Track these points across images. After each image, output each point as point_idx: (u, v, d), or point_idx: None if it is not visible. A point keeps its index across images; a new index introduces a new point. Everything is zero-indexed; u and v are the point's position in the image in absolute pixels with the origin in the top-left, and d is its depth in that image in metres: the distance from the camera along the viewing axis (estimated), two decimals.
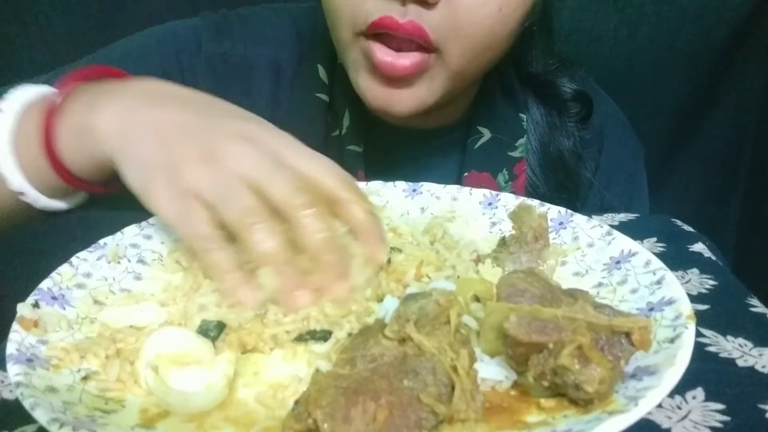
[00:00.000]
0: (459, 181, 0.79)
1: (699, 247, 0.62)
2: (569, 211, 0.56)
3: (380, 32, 0.62)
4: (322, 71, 0.78)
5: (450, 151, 0.81)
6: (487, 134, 0.79)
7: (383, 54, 0.63)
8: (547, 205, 0.58)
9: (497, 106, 0.80)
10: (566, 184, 0.81)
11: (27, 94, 0.56)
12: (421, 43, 0.62)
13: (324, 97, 0.78)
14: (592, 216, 0.57)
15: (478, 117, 0.80)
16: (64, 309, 0.46)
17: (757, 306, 0.52)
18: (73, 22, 1.06)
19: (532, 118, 0.81)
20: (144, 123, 0.49)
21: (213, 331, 0.44)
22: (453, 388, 0.36)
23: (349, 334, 0.43)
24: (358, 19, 0.63)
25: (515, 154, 0.80)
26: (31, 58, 1.07)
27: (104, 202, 0.58)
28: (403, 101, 0.66)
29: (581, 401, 0.36)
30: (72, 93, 0.54)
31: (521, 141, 0.80)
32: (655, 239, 0.63)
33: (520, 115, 0.81)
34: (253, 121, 0.49)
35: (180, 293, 0.48)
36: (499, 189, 0.78)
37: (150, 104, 0.51)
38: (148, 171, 0.47)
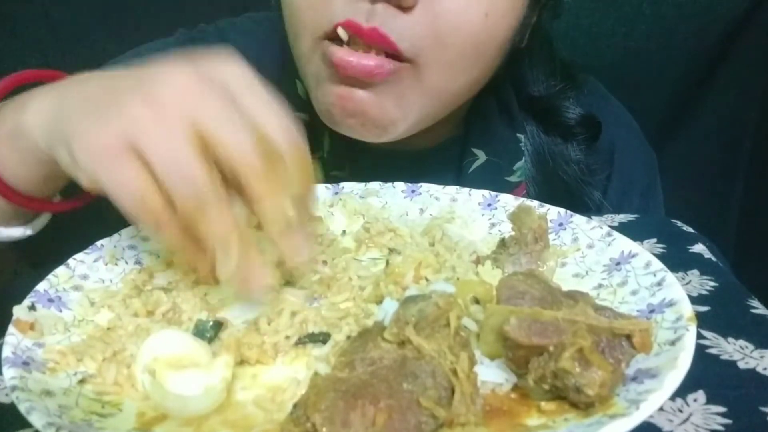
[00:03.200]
0: None
1: (699, 248, 0.62)
2: (569, 212, 0.56)
3: (345, 36, 0.57)
4: (300, 87, 0.72)
5: (443, 172, 0.74)
6: (482, 156, 0.74)
7: (344, 53, 0.56)
8: (547, 206, 0.57)
9: (493, 125, 0.75)
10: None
11: None
12: (389, 52, 0.57)
13: (303, 116, 0.70)
14: (592, 217, 0.57)
15: (472, 137, 0.74)
16: (61, 311, 0.45)
17: (758, 307, 0.52)
18: (75, 7, 1.06)
19: (533, 146, 0.75)
20: (75, 98, 0.44)
21: (209, 331, 0.44)
22: (453, 392, 0.35)
23: (348, 337, 0.42)
24: (322, 21, 0.57)
25: (513, 178, 0.74)
26: (35, 44, 1.07)
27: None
28: (369, 118, 0.60)
29: (582, 404, 0.35)
30: (4, 104, 0.50)
31: (519, 164, 0.74)
32: (655, 240, 0.63)
33: (518, 135, 0.75)
34: (206, 56, 0.43)
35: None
36: None
37: (81, 82, 0.46)
38: (74, 124, 0.41)
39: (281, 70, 0.74)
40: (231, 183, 0.41)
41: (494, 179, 0.74)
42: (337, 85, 0.59)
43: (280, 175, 0.41)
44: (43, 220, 0.56)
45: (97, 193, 0.44)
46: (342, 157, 0.73)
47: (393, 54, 0.57)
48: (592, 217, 0.57)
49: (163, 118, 0.39)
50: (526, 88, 0.75)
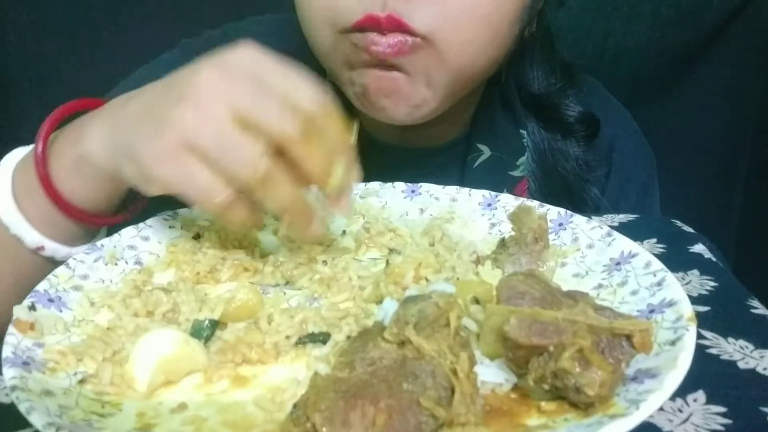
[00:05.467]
0: None
1: (699, 248, 0.62)
2: (569, 212, 0.56)
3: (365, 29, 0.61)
4: None
5: (448, 170, 0.78)
6: (486, 152, 0.77)
7: (373, 35, 0.61)
8: (547, 206, 0.57)
9: (497, 122, 0.78)
10: (570, 209, 0.78)
11: (17, 155, 0.56)
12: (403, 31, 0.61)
13: None
14: (592, 217, 0.57)
15: (478, 134, 0.78)
16: (61, 311, 0.45)
17: (758, 308, 0.52)
18: (49, 41, 1.06)
19: (533, 141, 0.78)
20: (125, 120, 0.49)
21: (206, 330, 0.43)
22: (453, 392, 0.35)
23: (348, 337, 0.42)
24: (341, 17, 0.61)
25: (516, 173, 0.77)
26: (22, 64, 1.07)
27: None
28: (403, 93, 0.63)
29: (582, 404, 0.35)
30: (56, 136, 0.54)
31: (522, 159, 0.78)
32: (655, 240, 0.63)
33: (521, 131, 0.78)
34: (217, 53, 0.48)
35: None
36: None
37: (124, 105, 0.51)
38: (134, 142, 0.47)
39: None
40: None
41: (498, 174, 0.77)
42: (372, 68, 0.63)
43: (318, 138, 0.46)
44: (101, 235, 0.58)
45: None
46: None
47: (407, 32, 0.61)
48: (592, 217, 0.57)
49: (203, 113, 0.44)
50: (528, 86, 0.78)
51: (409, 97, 0.64)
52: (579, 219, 0.55)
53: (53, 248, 0.54)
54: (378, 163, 0.75)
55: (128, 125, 0.49)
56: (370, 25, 0.60)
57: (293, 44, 0.77)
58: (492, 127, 0.77)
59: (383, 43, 0.60)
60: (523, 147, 0.78)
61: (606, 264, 0.50)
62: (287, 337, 0.43)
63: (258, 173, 0.44)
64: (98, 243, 0.52)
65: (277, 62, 0.47)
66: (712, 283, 0.55)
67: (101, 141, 0.51)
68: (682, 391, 0.40)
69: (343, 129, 0.48)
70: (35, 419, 0.33)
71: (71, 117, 0.56)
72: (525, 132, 0.78)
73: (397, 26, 0.60)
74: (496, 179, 0.76)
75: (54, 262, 0.54)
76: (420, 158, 0.78)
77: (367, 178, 0.73)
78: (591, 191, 0.79)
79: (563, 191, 0.77)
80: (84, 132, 0.52)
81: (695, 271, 0.57)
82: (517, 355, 0.37)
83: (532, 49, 0.74)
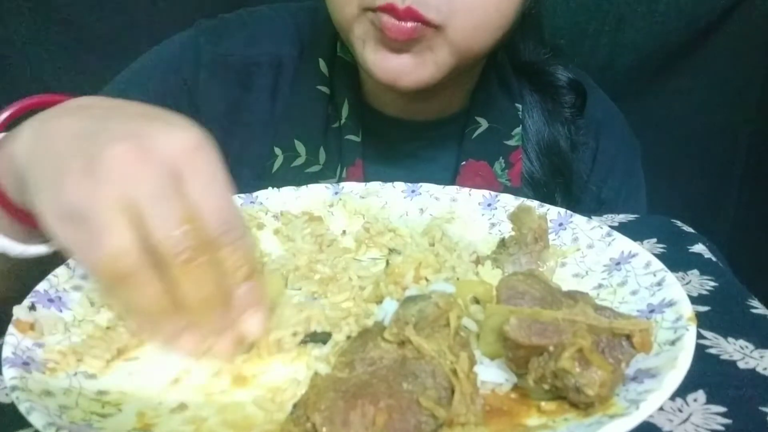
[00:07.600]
0: (456, 170, 0.81)
1: (699, 248, 0.62)
2: (569, 212, 0.56)
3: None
4: (323, 64, 0.80)
5: (448, 142, 0.82)
6: (484, 124, 0.81)
7: (389, 17, 0.64)
8: (547, 206, 0.57)
9: (494, 97, 0.82)
10: (562, 170, 0.83)
11: None
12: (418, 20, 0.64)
13: (324, 89, 0.80)
14: (592, 217, 0.57)
15: (476, 108, 0.82)
16: (61, 311, 0.45)
17: (758, 307, 0.52)
18: (69, 23, 1.06)
19: (527, 107, 0.83)
20: (48, 136, 0.43)
21: None
22: (453, 392, 0.35)
23: (348, 337, 0.42)
24: (365, 1, 0.65)
25: (511, 142, 0.82)
26: (23, 56, 1.07)
27: None
28: (410, 72, 0.67)
29: (582, 404, 0.35)
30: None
31: (517, 130, 0.82)
32: (655, 240, 0.63)
33: (516, 105, 0.83)
34: (159, 122, 0.41)
35: None
36: (496, 177, 0.81)
37: (61, 116, 0.44)
38: (39, 186, 0.42)
39: (300, 52, 0.83)
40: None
41: (494, 143, 0.81)
42: (382, 49, 0.67)
43: (206, 268, 0.39)
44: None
45: None
46: (357, 124, 0.80)
47: (422, 21, 0.64)
48: (592, 216, 0.57)
49: (98, 193, 0.38)
50: (519, 55, 0.83)
51: (413, 77, 0.68)
52: (579, 219, 0.55)
53: (2, 244, 0.50)
54: (382, 134, 0.81)
55: (41, 162, 0.43)
56: (389, 11, 0.63)
57: (304, 30, 0.83)
58: (489, 102, 0.82)
59: (397, 28, 0.63)
60: (518, 119, 0.83)
61: (606, 264, 0.50)
62: (294, 334, 0.43)
63: (115, 266, 0.37)
64: None
65: (213, 166, 0.40)
66: (712, 283, 0.55)
67: (24, 145, 0.45)
68: (682, 391, 0.40)
69: (246, 256, 0.41)
70: (35, 419, 0.33)
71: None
72: (520, 106, 0.83)
73: (413, 17, 0.63)
74: (492, 148, 0.81)
75: (9, 258, 0.51)
76: (422, 131, 0.82)
77: (371, 147, 0.79)
78: (581, 153, 0.84)
79: (556, 157, 0.83)
80: (23, 127, 0.46)
81: (695, 271, 0.57)
82: (517, 355, 0.37)
83: (522, 24, 0.78)
